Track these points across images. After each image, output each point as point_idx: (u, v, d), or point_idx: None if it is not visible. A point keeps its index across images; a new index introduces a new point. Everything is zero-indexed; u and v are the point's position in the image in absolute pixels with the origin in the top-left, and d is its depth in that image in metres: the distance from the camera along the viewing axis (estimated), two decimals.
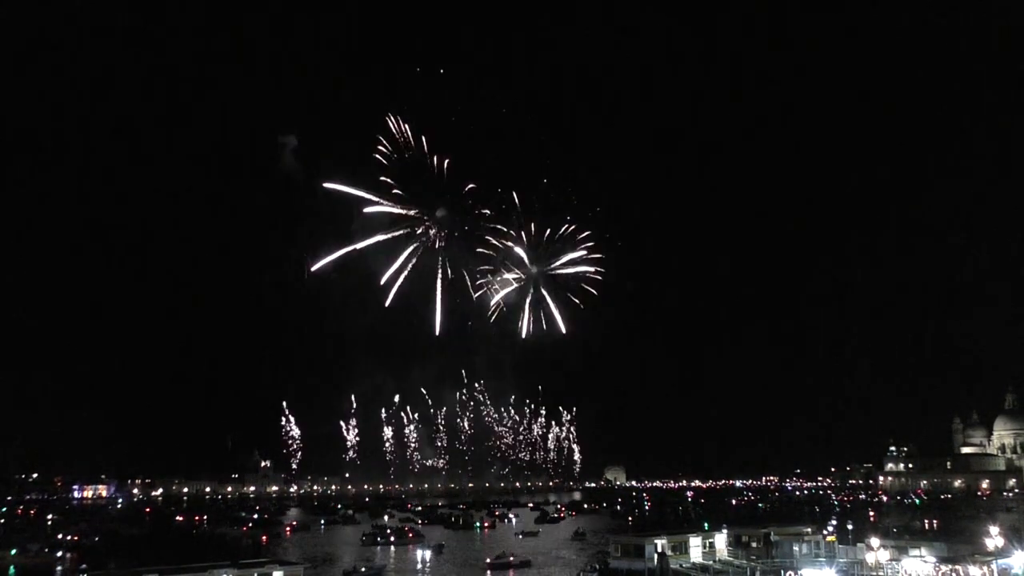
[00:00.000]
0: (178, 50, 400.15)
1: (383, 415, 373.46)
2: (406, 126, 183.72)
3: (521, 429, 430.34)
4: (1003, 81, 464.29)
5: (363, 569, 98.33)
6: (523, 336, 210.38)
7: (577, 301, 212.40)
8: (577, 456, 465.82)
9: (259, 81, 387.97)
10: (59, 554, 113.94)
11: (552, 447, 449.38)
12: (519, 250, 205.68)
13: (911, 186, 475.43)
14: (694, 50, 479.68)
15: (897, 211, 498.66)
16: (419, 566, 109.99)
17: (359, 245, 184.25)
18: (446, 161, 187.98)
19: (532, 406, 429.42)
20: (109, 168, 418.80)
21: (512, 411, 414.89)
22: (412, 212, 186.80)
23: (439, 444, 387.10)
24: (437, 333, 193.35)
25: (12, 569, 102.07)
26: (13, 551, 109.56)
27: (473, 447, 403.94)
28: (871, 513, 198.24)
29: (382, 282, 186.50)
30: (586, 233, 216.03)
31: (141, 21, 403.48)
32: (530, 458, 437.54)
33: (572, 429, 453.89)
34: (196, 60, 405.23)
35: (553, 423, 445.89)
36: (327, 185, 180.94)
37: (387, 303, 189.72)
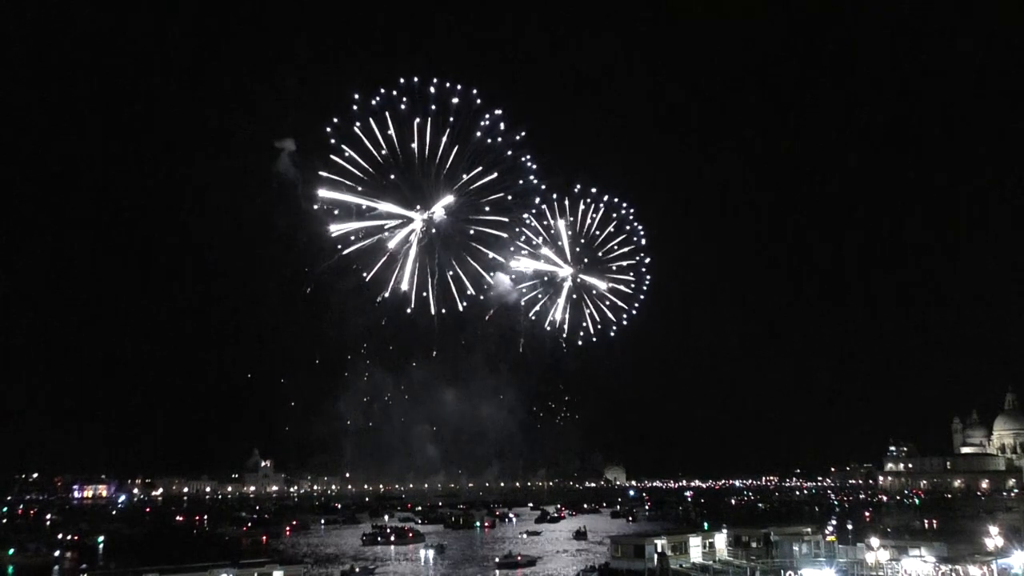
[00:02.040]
0: (172, 49, 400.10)
1: (381, 413, 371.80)
2: (417, 120, 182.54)
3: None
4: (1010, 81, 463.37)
5: (358, 570, 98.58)
6: (563, 336, 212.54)
7: (610, 315, 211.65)
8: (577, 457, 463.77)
9: (254, 78, 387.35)
10: (56, 554, 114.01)
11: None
12: (550, 250, 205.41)
13: (911, 185, 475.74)
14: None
15: (897, 210, 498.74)
16: (421, 566, 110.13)
17: (358, 245, 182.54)
18: (454, 149, 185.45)
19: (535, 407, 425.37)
20: (109, 172, 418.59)
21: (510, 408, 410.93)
22: (411, 213, 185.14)
23: (440, 446, 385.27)
24: (435, 327, 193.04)
25: (11, 568, 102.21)
26: (11, 551, 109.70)
27: (472, 447, 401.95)
28: (867, 513, 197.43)
29: (387, 289, 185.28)
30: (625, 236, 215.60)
31: (140, 22, 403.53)
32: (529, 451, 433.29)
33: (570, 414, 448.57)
34: (191, 58, 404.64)
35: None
36: (323, 194, 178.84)
37: (382, 297, 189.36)
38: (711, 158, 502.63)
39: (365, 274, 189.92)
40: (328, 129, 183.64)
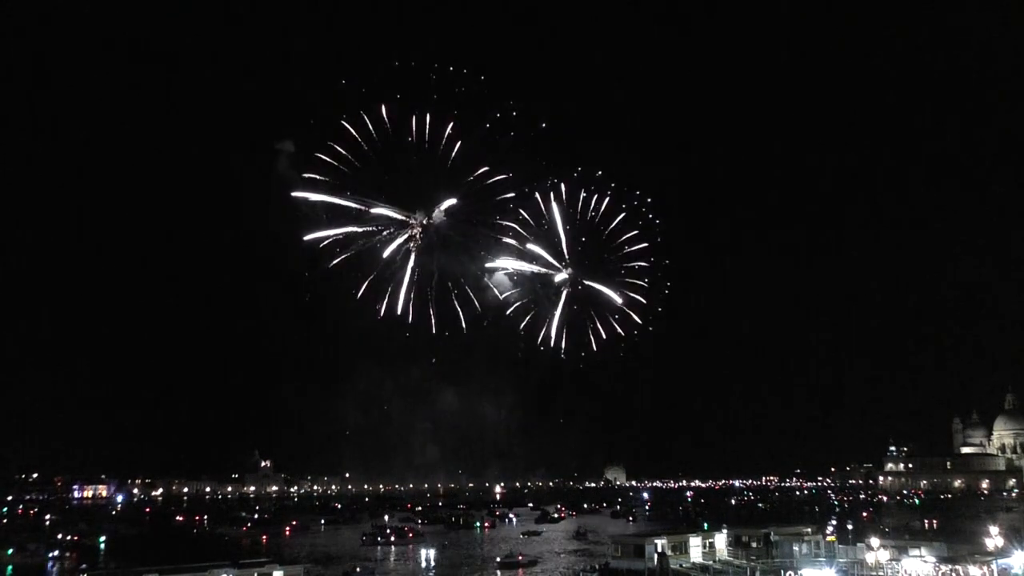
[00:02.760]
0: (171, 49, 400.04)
1: (381, 414, 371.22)
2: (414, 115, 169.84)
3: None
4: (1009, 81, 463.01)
5: (358, 570, 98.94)
6: (562, 355, 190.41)
7: (619, 330, 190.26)
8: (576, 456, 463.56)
9: (251, 78, 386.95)
10: (55, 553, 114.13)
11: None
12: (543, 249, 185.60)
13: (913, 186, 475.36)
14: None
15: (898, 211, 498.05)
16: (423, 566, 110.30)
17: (348, 254, 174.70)
18: (456, 145, 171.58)
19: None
20: (110, 170, 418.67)
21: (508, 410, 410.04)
22: (407, 216, 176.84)
23: (440, 446, 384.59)
24: (433, 332, 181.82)
25: (10, 568, 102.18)
26: (10, 551, 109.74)
27: (472, 447, 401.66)
28: (865, 514, 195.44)
29: (383, 301, 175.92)
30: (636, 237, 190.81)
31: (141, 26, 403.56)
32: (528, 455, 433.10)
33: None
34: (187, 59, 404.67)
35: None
36: (304, 196, 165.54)
37: (380, 314, 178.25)
38: (707, 157, 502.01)
39: (355, 291, 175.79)
40: (312, 121, 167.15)
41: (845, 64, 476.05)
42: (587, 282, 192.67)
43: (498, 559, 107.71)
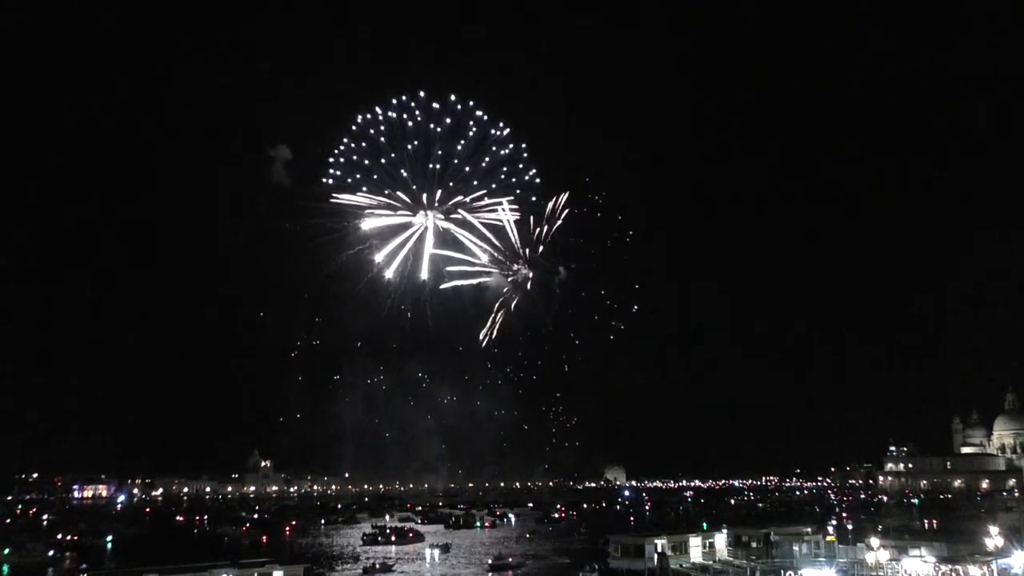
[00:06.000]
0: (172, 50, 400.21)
1: (381, 413, 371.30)
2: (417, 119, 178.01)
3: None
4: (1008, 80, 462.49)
5: (377, 566, 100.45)
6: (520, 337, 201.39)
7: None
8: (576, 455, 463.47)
9: (254, 78, 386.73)
10: (51, 553, 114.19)
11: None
12: (539, 252, 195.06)
13: (914, 186, 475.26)
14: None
15: (899, 210, 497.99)
16: (426, 565, 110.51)
17: (353, 251, 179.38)
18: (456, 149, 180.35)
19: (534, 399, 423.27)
20: (111, 168, 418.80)
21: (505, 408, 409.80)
22: (410, 216, 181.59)
23: (440, 446, 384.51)
24: (430, 326, 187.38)
25: (6, 568, 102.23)
26: (7, 550, 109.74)
27: (472, 446, 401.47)
28: (845, 515, 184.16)
29: (388, 295, 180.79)
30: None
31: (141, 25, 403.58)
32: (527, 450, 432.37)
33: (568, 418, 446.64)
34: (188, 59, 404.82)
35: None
36: (334, 200, 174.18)
37: (383, 313, 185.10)
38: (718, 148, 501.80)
39: (356, 290, 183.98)
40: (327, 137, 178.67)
41: (842, 57, 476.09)
42: (583, 283, 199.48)
43: (489, 561, 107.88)
